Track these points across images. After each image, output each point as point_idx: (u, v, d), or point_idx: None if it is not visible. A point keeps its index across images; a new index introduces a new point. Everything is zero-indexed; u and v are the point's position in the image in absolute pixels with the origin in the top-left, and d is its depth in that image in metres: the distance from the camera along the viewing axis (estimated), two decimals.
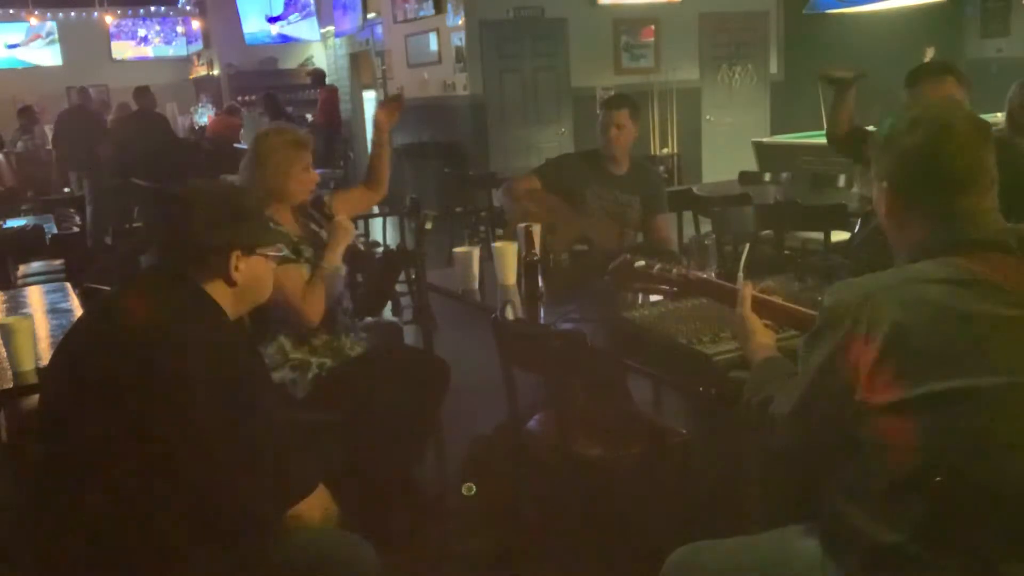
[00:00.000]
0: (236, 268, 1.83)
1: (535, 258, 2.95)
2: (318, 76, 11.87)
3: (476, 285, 3.22)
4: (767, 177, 5.99)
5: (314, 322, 2.83)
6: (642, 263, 2.11)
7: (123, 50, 14.95)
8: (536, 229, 3.09)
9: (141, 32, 15.12)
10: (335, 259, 2.91)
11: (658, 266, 2.09)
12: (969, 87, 3.21)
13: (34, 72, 14.12)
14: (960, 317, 1.38)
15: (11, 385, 2.55)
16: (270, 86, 12.27)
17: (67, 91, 10.48)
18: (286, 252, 2.77)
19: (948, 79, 3.27)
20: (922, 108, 1.56)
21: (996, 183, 1.51)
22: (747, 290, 1.98)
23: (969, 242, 1.46)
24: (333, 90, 11.63)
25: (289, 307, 2.78)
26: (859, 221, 3.65)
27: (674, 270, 2.08)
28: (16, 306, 3.49)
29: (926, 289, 1.41)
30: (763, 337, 1.90)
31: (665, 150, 10.15)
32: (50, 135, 11.51)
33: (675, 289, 2.09)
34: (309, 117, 11.92)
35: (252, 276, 1.88)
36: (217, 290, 1.82)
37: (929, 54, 7.44)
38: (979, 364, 1.37)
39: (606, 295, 2.67)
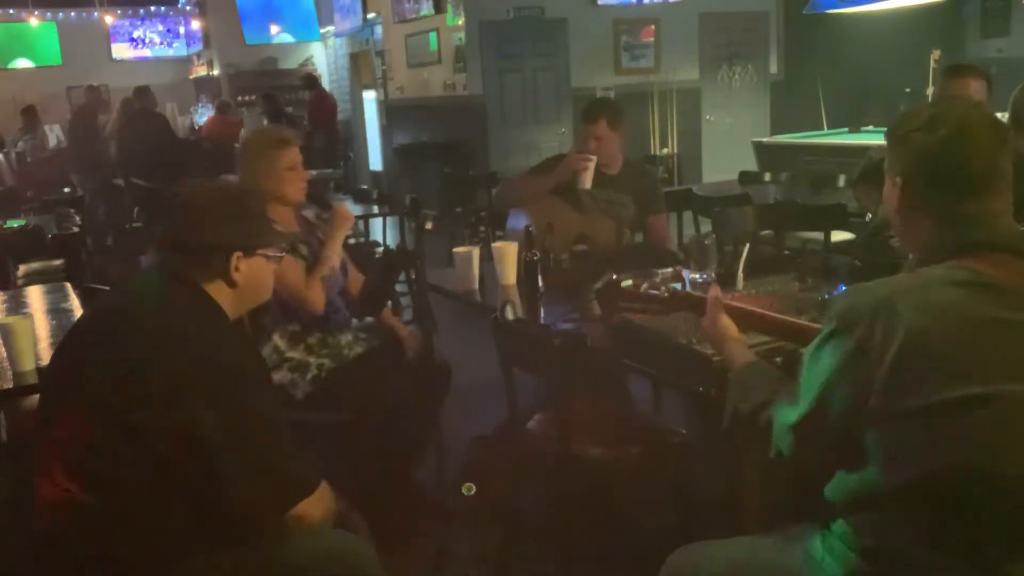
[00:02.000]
0: (236, 269, 1.83)
1: (535, 258, 2.95)
2: (308, 80, 11.94)
3: (476, 285, 3.22)
4: (767, 177, 5.99)
5: (319, 309, 2.85)
6: (629, 282, 2.06)
7: (123, 50, 14.94)
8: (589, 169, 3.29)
9: (141, 32, 15.10)
10: (336, 248, 2.92)
11: (645, 284, 2.05)
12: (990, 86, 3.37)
13: (34, 72, 14.11)
14: (976, 322, 1.37)
15: (11, 385, 2.55)
16: (270, 86, 12.28)
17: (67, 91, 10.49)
18: (285, 247, 2.78)
19: (963, 80, 3.42)
20: (943, 107, 1.53)
21: (1010, 186, 1.49)
22: (717, 292, 1.96)
23: (978, 244, 1.45)
24: (321, 94, 11.64)
25: (293, 297, 2.79)
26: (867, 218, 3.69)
27: (662, 287, 2.04)
28: (16, 306, 3.49)
29: (941, 293, 1.39)
30: (738, 341, 1.89)
31: (665, 150, 10.14)
32: (54, 135, 11.53)
33: (663, 308, 2.06)
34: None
35: (252, 276, 1.87)
36: (217, 290, 1.82)
37: (935, 55, 7.43)
38: (996, 369, 1.35)
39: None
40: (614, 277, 2.07)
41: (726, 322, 1.92)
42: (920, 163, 1.50)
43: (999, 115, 2.14)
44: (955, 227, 1.47)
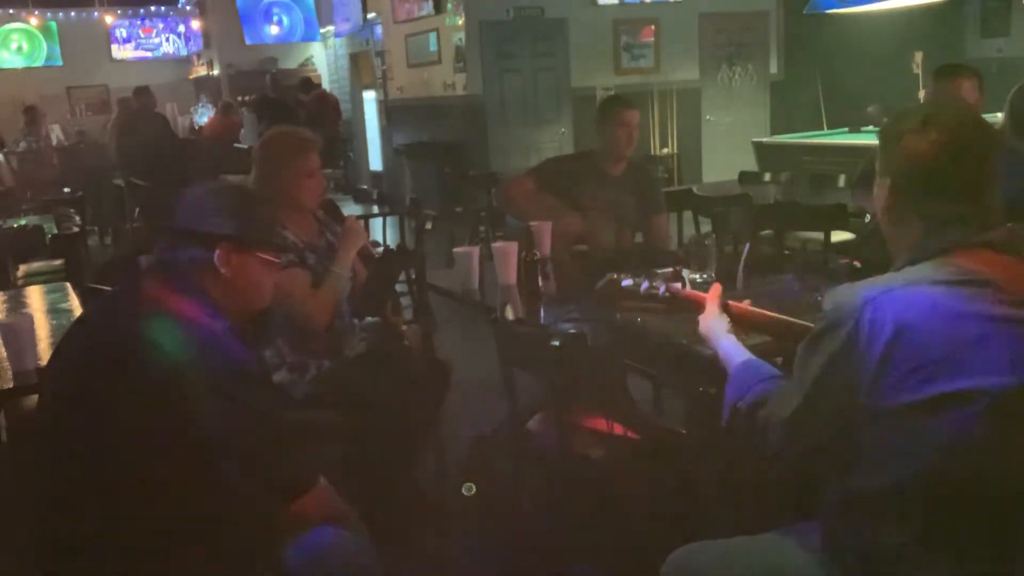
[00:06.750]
0: (228, 261, 1.83)
1: (535, 258, 2.95)
2: (306, 84, 12.00)
3: (476, 285, 3.22)
4: (767, 177, 5.99)
5: (321, 326, 2.81)
6: (628, 283, 2.06)
7: (123, 50, 14.95)
8: (546, 227, 3.09)
9: (141, 32, 15.11)
10: (346, 263, 2.88)
11: (645, 285, 2.05)
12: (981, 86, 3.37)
13: (34, 72, 14.12)
14: (963, 317, 1.38)
15: (11, 385, 2.55)
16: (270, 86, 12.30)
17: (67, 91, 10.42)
18: (292, 258, 2.77)
19: (956, 81, 3.42)
20: (935, 110, 1.54)
21: (997, 186, 1.50)
22: (718, 291, 1.97)
23: (964, 243, 1.46)
24: (321, 95, 11.64)
25: (295, 311, 2.76)
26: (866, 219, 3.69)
27: (661, 288, 2.04)
28: (16, 306, 3.49)
29: (927, 290, 1.41)
30: (733, 339, 1.89)
31: (665, 150, 10.15)
32: (54, 135, 11.49)
33: (663, 307, 2.06)
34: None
35: (245, 275, 1.86)
36: (212, 284, 1.82)
37: (918, 59, 7.41)
38: (985, 364, 1.36)
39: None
40: (614, 276, 2.08)
41: (726, 320, 1.93)
42: (911, 165, 1.51)
43: (997, 115, 2.15)
44: (942, 227, 1.48)
